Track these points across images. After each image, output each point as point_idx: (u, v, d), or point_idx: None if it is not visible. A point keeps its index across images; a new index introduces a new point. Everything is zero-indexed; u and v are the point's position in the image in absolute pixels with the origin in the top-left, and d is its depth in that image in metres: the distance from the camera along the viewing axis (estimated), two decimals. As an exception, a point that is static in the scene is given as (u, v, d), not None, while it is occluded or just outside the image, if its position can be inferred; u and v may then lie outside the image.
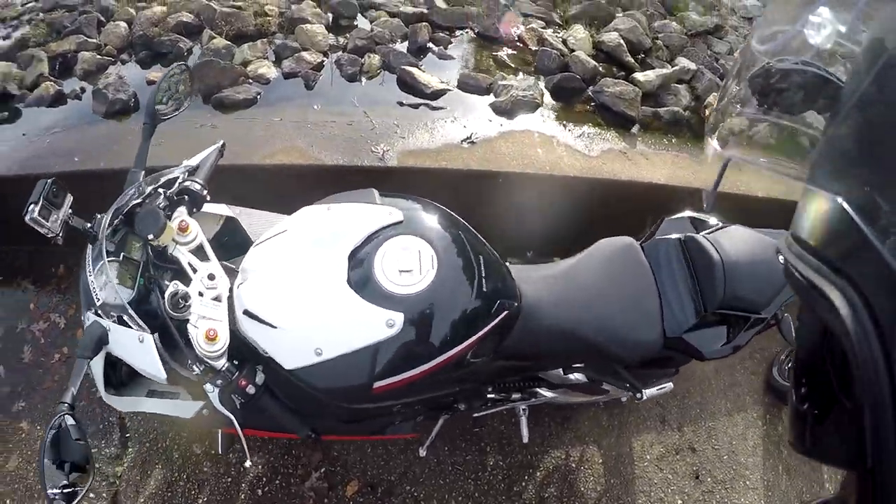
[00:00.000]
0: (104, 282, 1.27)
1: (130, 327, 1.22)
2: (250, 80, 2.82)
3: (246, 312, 1.22)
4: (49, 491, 1.01)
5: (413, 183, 2.45)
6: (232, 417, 1.26)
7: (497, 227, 2.19)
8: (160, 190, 1.36)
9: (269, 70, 2.86)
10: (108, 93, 2.84)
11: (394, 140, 2.56)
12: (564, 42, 3.40)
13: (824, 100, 0.60)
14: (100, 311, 1.26)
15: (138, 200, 1.33)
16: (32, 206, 1.21)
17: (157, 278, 1.29)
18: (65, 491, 1.02)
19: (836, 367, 0.37)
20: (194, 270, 1.28)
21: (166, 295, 1.22)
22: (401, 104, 2.79)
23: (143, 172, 1.44)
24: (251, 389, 1.22)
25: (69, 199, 1.31)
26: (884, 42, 0.32)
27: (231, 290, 1.28)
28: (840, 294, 0.31)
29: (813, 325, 0.42)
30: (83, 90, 3.07)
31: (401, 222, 1.27)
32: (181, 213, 1.35)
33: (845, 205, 0.31)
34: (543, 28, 3.54)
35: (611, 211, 2.61)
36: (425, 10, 3.37)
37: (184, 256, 1.29)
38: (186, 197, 1.38)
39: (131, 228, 1.32)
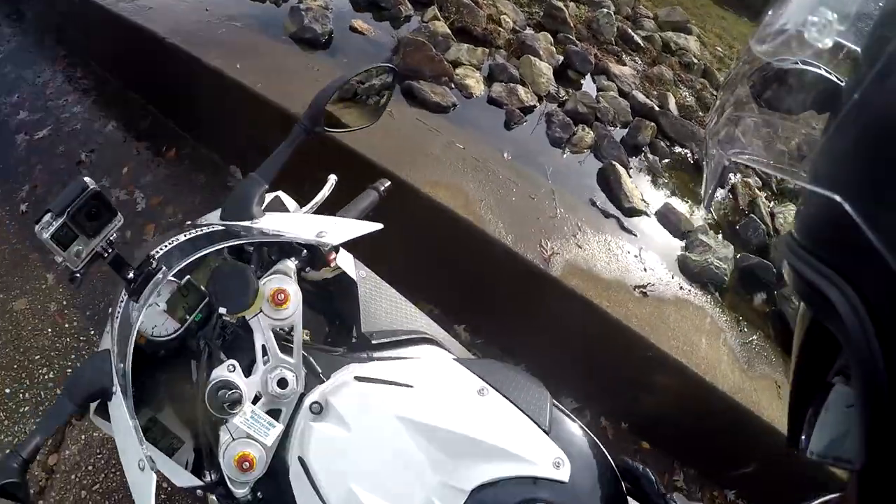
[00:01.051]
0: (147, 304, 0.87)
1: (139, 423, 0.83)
2: (453, 85, 2.43)
3: (301, 461, 0.82)
4: None
5: (565, 309, 2.01)
6: None
7: (608, 394, 1.93)
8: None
9: (476, 85, 2.46)
10: (305, 17, 2.51)
11: (568, 244, 2.12)
12: (773, 217, 2.90)
13: (824, 100, 0.55)
14: (118, 353, 0.86)
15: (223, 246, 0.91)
16: (50, 217, 0.77)
17: (209, 338, 0.90)
18: None
19: (835, 366, 0.37)
20: (265, 360, 0.86)
21: (212, 379, 0.83)
22: (593, 203, 2.35)
23: (264, 188, 1.01)
24: None
25: (116, 222, 0.84)
26: (884, 41, 0.31)
27: (300, 402, 0.87)
28: (840, 294, 0.31)
29: (812, 325, 0.39)
30: (285, -1, 2.77)
31: (563, 484, 0.79)
32: (282, 278, 0.89)
33: (845, 205, 0.30)
34: (759, 189, 3.05)
35: (721, 443, 2.19)
36: (656, 107, 2.92)
37: (261, 333, 0.86)
38: (304, 253, 0.95)
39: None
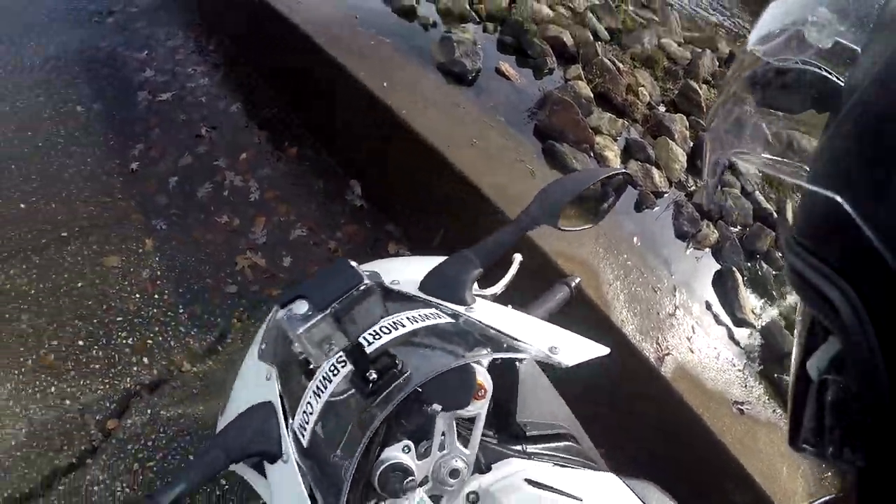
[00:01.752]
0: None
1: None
2: (592, 154, 2.39)
3: None
4: None
5: (668, 412, 1.95)
6: None
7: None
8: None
9: (614, 159, 2.42)
10: (457, 49, 2.48)
11: (681, 345, 2.06)
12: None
13: (824, 100, 0.55)
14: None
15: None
16: (309, 310, 0.65)
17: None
18: None
19: (835, 366, 0.36)
20: (441, 449, 0.79)
21: (386, 459, 0.74)
22: (708, 307, 2.28)
23: (479, 272, 0.93)
24: None
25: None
26: (884, 41, 0.32)
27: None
28: (840, 294, 0.31)
29: (812, 325, 0.39)
30: (434, 24, 2.75)
31: None
32: (482, 371, 0.80)
33: (845, 205, 0.30)
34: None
35: None
36: (775, 212, 2.85)
37: (444, 421, 0.78)
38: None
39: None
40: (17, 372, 2.05)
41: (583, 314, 1.94)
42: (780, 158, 0.64)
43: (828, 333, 0.36)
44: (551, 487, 0.79)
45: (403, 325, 0.85)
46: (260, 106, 2.76)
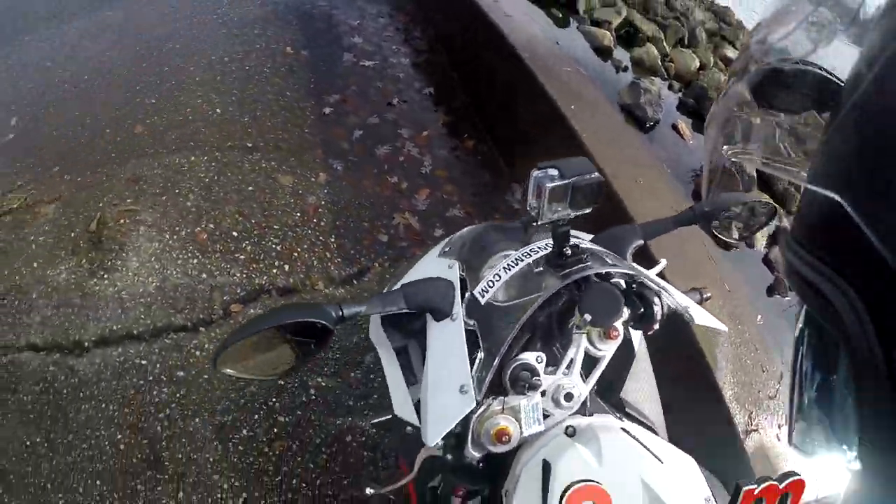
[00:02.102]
0: None
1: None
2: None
3: (546, 463, 0.81)
4: None
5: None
6: (413, 471, 0.91)
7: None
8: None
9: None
10: (643, 96, 2.66)
11: (769, 434, 2.09)
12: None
13: (824, 100, 0.59)
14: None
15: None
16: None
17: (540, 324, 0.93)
18: None
19: (835, 366, 0.36)
20: (566, 371, 0.88)
21: (521, 357, 0.85)
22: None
23: (639, 243, 1.05)
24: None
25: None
26: (884, 42, 0.30)
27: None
28: (840, 294, 0.31)
29: (813, 325, 0.40)
30: (625, 68, 2.95)
31: None
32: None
33: (845, 205, 0.30)
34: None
35: None
36: None
37: (576, 348, 0.88)
38: (639, 301, 0.93)
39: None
40: (169, 236, 2.34)
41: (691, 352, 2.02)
42: (780, 158, 0.68)
43: (828, 333, 0.35)
44: (642, 443, 0.84)
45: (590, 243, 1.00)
46: (448, 96, 3.02)
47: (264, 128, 2.79)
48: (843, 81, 0.45)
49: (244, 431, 1.88)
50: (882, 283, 0.29)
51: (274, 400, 1.94)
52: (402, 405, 0.97)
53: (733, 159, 0.77)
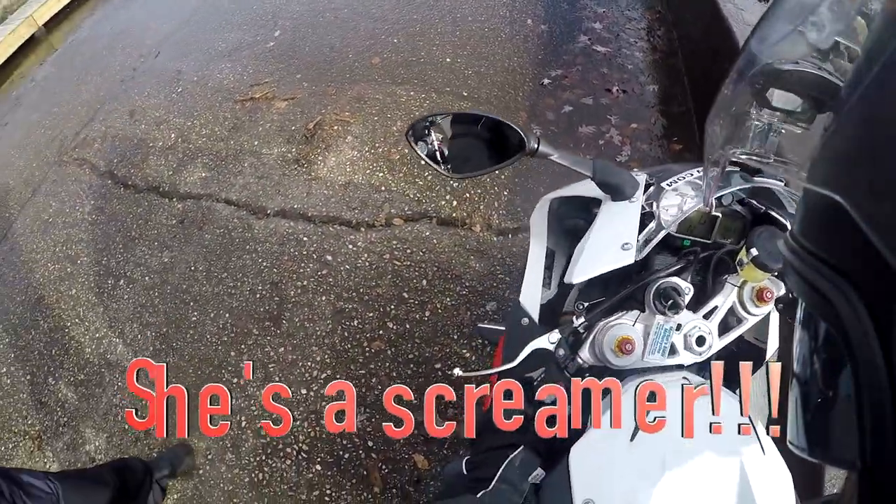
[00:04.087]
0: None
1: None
2: None
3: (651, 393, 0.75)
4: None
5: None
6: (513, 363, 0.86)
7: None
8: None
9: None
10: None
11: None
12: None
13: (824, 100, 0.61)
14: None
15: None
16: None
17: (694, 261, 0.88)
18: None
19: (836, 366, 0.35)
20: (707, 315, 0.85)
21: (669, 279, 0.83)
22: None
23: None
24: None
25: None
26: (884, 41, 0.30)
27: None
28: (840, 294, 0.31)
29: (812, 325, 0.38)
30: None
31: None
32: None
33: (845, 205, 0.30)
34: None
35: None
36: None
37: (724, 297, 0.86)
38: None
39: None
40: (368, 149, 2.58)
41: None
42: (780, 158, 0.69)
43: (828, 333, 0.34)
44: (755, 429, 0.77)
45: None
46: (671, 99, 2.83)
47: (483, 83, 2.91)
48: (843, 81, 0.45)
49: (355, 322, 2.00)
50: (882, 283, 0.28)
51: (392, 306, 2.01)
52: (529, 296, 0.99)
53: (733, 159, 0.76)
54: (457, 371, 0.87)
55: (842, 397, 0.34)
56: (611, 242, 0.83)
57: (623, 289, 0.87)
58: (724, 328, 0.86)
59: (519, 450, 0.76)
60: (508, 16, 3.31)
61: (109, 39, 4.13)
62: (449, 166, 0.90)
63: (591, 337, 0.83)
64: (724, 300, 0.85)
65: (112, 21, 4.43)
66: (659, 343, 0.82)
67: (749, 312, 0.85)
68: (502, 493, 0.75)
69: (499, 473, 0.76)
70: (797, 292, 0.37)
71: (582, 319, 0.85)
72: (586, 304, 0.88)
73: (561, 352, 0.84)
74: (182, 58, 3.55)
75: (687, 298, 0.82)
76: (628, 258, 0.81)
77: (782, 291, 0.85)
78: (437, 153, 0.90)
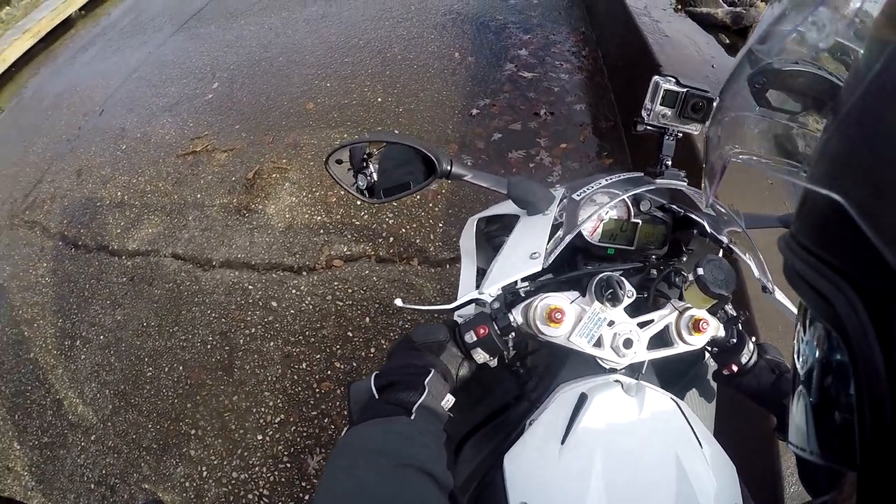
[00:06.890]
0: None
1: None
2: None
3: (584, 396, 0.79)
4: None
5: None
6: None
7: None
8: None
9: None
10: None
11: None
12: None
13: (824, 100, 0.60)
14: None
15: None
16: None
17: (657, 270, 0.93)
18: None
19: (836, 366, 0.35)
20: (643, 325, 0.85)
21: (613, 272, 0.84)
22: None
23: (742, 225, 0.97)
24: (472, 362, 0.84)
25: None
26: (884, 41, 0.30)
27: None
28: (840, 294, 0.31)
29: (812, 325, 0.38)
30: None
31: None
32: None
33: (845, 205, 0.30)
34: None
35: None
36: None
37: (663, 318, 0.87)
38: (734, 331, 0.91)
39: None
40: (306, 194, 2.62)
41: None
42: (780, 158, 0.68)
43: (827, 332, 0.35)
44: (690, 424, 0.81)
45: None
46: (599, 116, 2.98)
47: (414, 119, 3.04)
48: (843, 81, 0.44)
49: (303, 365, 2.09)
50: (882, 283, 0.29)
51: (338, 346, 2.11)
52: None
53: (734, 160, 0.74)
54: (398, 301, 0.88)
55: (842, 397, 0.35)
56: (520, 253, 0.86)
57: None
58: (653, 344, 0.86)
59: (431, 374, 0.76)
60: (436, 51, 3.46)
61: (54, 99, 4.18)
62: (366, 192, 0.94)
63: (528, 301, 0.83)
64: (661, 318, 0.86)
65: (57, 80, 4.48)
66: (588, 329, 0.83)
67: (682, 339, 0.86)
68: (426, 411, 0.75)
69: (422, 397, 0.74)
70: (797, 292, 0.37)
71: (526, 284, 0.87)
72: (537, 279, 0.90)
73: (497, 304, 0.85)
74: (125, 115, 3.63)
75: (627, 296, 0.83)
76: (536, 266, 0.83)
77: (721, 332, 0.89)
78: (356, 180, 0.94)
